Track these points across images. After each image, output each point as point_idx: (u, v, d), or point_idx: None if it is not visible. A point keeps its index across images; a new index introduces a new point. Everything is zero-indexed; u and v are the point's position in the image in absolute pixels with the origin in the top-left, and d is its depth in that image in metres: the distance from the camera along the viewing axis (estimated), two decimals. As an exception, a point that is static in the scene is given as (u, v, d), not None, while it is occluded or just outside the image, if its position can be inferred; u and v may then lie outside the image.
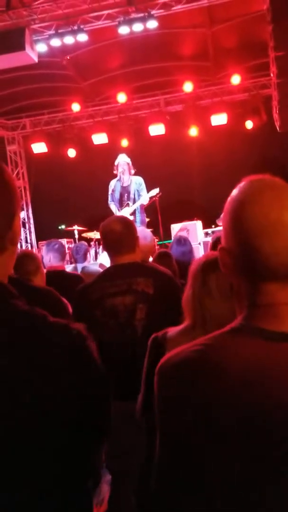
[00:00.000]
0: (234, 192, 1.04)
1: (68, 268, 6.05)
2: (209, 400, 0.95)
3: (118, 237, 2.72)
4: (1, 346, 1.00)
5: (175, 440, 0.99)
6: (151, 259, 4.58)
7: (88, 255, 6.03)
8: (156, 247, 9.25)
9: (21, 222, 1.12)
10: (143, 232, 3.57)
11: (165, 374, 1.03)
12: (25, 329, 1.03)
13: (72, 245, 9.23)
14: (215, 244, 4.20)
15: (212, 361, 0.98)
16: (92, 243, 10.07)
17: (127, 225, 2.79)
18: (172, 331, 2.09)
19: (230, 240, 1.03)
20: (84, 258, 5.81)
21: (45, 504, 1.01)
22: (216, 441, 0.93)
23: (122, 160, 8.50)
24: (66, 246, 8.05)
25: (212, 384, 0.95)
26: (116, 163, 8.55)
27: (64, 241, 9.71)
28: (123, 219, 2.90)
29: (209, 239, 9.83)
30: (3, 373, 0.98)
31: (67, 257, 7.52)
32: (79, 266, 5.71)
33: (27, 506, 1.00)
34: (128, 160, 8.55)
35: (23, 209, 14.04)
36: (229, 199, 1.05)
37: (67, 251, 6.16)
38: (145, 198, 8.46)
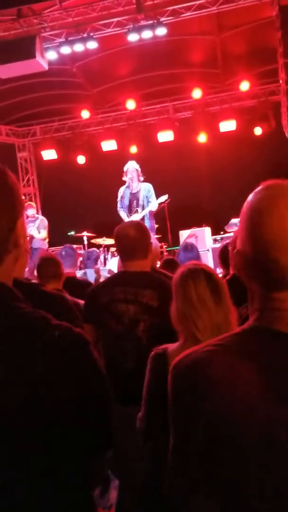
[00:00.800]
0: (251, 197, 1.04)
1: (78, 273, 6.07)
2: (222, 400, 0.95)
3: (133, 242, 2.73)
4: (1, 347, 1.00)
5: (189, 441, 1.00)
6: (158, 264, 4.59)
7: (98, 261, 6.07)
8: (165, 253, 9.28)
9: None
10: (150, 239, 3.58)
11: (179, 374, 1.05)
12: (26, 331, 1.03)
13: (81, 251, 9.26)
14: (223, 251, 4.18)
15: (224, 361, 0.99)
16: (100, 249, 10.09)
17: (142, 231, 2.80)
18: (171, 347, 2.06)
19: (247, 246, 1.03)
20: (95, 264, 5.85)
21: (45, 505, 1.01)
22: (230, 441, 0.94)
23: (131, 167, 8.52)
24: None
25: (224, 384, 0.96)
26: (125, 169, 8.57)
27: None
28: (138, 225, 2.91)
29: (218, 245, 9.82)
30: (4, 374, 0.98)
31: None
32: (89, 272, 5.74)
33: (27, 507, 1.00)
34: (137, 166, 8.55)
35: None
36: (246, 204, 1.05)
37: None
38: (154, 204, 8.46)
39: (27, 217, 9.29)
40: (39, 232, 9.46)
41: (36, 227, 9.42)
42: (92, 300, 2.81)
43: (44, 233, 9.68)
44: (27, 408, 0.98)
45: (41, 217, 10.04)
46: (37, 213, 13.70)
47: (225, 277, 3.12)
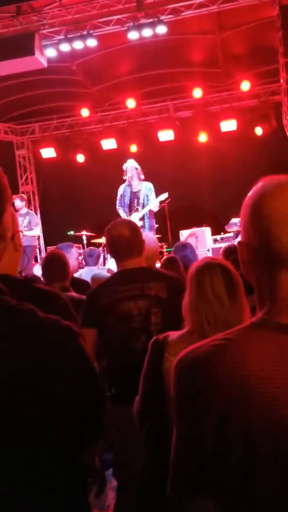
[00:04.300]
0: (253, 189, 1.06)
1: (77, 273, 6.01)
2: (228, 395, 0.94)
3: (127, 241, 2.72)
4: None
5: (194, 438, 0.98)
6: (158, 264, 4.54)
7: (99, 260, 6.04)
8: (165, 253, 9.24)
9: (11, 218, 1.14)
10: (148, 237, 3.55)
11: (184, 368, 1.03)
12: (12, 324, 1.01)
13: (80, 251, 9.21)
14: (227, 252, 4.17)
15: (232, 355, 0.97)
16: (100, 248, 10.05)
17: (134, 229, 2.79)
18: (173, 335, 2.10)
19: (249, 232, 1.04)
20: (96, 262, 5.82)
21: (40, 503, 1.00)
22: (235, 436, 0.93)
23: (130, 165, 8.49)
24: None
25: (231, 378, 0.95)
26: (124, 168, 8.54)
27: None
28: (129, 223, 2.90)
29: (218, 245, 9.80)
30: None
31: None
32: (86, 270, 5.69)
33: (22, 505, 0.99)
34: (136, 165, 8.52)
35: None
36: (247, 196, 1.06)
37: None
38: (154, 203, 8.44)
39: (16, 210, 8.86)
40: (32, 229, 9.05)
41: (28, 224, 8.99)
42: (92, 302, 2.76)
43: (37, 231, 9.51)
44: (14, 401, 0.97)
45: (31, 212, 9.86)
46: (30, 208, 13.64)
47: None
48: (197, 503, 1.00)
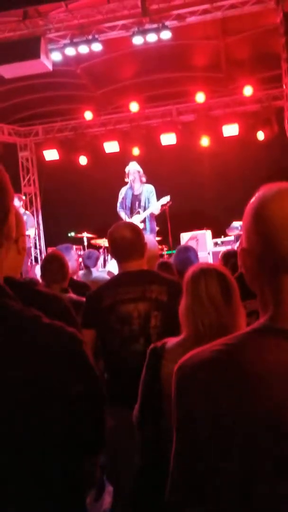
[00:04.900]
0: (255, 196, 1.07)
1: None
2: (230, 401, 0.93)
3: (129, 243, 2.73)
4: None
5: (193, 442, 0.98)
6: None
7: (98, 262, 6.06)
8: (165, 255, 9.28)
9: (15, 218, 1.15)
10: (148, 240, 3.60)
11: (185, 374, 1.02)
12: (16, 329, 1.00)
13: (81, 252, 9.25)
14: (226, 256, 4.18)
15: (233, 361, 0.96)
16: (101, 250, 10.09)
17: (137, 231, 2.81)
18: (171, 342, 2.10)
19: (251, 238, 1.04)
20: (95, 264, 5.84)
21: (36, 509, 0.99)
22: (238, 444, 0.92)
23: (133, 168, 8.51)
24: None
25: (233, 385, 0.94)
26: (126, 170, 8.56)
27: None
28: (132, 225, 2.91)
29: (218, 249, 9.82)
30: None
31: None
32: (84, 272, 5.71)
33: (18, 510, 0.97)
34: (139, 168, 8.55)
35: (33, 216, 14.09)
36: (249, 203, 1.07)
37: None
38: (155, 206, 8.46)
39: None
40: (27, 229, 8.98)
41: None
42: (93, 303, 2.76)
43: (32, 232, 9.49)
44: (17, 408, 0.96)
45: (28, 213, 9.84)
46: (32, 209, 13.65)
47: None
48: (196, 510, 0.99)
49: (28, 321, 1.02)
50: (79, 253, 8.86)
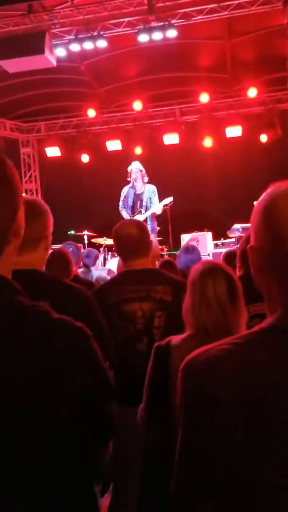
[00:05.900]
0: (264, 194, 1.06)
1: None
2: (236, 400, 0.93)
3: (135, 241, 2.71)
4: (1, 341, 0.98)
5: (201, 444, 0.97)
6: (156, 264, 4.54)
7: (97, 261, 6.03)
8: (165, 256, 9.24)
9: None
10: (150, 239, 3.58)
11: (192, 371, 1.01)
12: (26, 325, 1.01)
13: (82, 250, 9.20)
14: (228, 257, 4.16)
15: (241, 360, 0.96)
16: (101, 249, 10.05)
17: (142, 228, 2.79)
18: (176, 339, 2.10)
19: (260, 236, 1.03)
20: (94, 263, 5.82)
21: (49, 504, 1.00)
22: (245, 441, 0.91)
23: (135, 167, 8.49)
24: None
25: (240, 383, 0.94)
26: (129, 170, 8.54)
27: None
28: (138, 223, 2.90)
29: (218, 250, 9.80)
30: (4, 368, 0.97)
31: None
32: (83, 270, 5.69)
33: (31, 505, 0.98)
34: (141, 167, 8.53)
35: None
36: (258, 201, 1.06)
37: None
38: (157, 206, 8.44)
39: None
40: None
41: None
42: (99, 299, 2.75)
43: None
44: (28, 401, 0.97)
45: None
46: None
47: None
48: (203, 505, 0.99)
49: (35, 317, 1.03)
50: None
